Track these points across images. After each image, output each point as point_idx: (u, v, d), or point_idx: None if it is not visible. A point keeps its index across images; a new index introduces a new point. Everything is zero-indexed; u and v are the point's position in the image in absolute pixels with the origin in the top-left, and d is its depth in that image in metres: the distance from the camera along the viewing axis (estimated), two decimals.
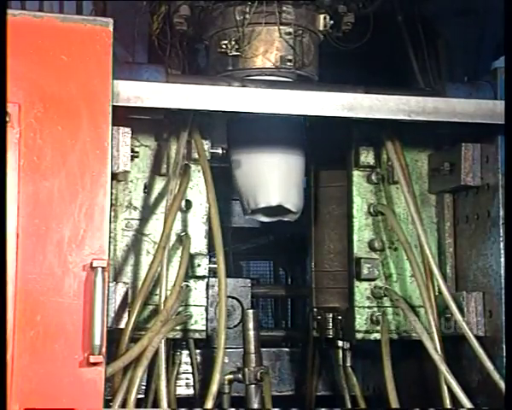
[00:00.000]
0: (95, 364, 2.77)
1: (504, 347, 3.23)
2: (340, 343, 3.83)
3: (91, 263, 2.80)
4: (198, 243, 3.48)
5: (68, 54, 2.87)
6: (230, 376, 3.65)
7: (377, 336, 3.58)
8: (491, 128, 3.31)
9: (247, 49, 3.53)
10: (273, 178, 3.60)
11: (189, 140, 3.45)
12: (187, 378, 4.06)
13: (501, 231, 3.31)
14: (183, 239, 3.43)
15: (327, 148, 3.92)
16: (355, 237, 3.65)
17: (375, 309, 3.61)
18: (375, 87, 3.32)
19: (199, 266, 3.44)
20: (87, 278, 2.81)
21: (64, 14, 3.36)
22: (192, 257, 3.44)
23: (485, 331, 3.38)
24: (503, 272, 3.30)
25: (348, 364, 3.85)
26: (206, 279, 3.47)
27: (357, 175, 3.68)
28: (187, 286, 3.42)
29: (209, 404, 3.14)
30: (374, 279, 3.62)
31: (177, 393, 3.91)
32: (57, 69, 2.86)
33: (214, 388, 3.16)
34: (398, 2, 4.05)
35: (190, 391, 4.06)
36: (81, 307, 2.80)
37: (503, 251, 3.30)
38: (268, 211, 3.65)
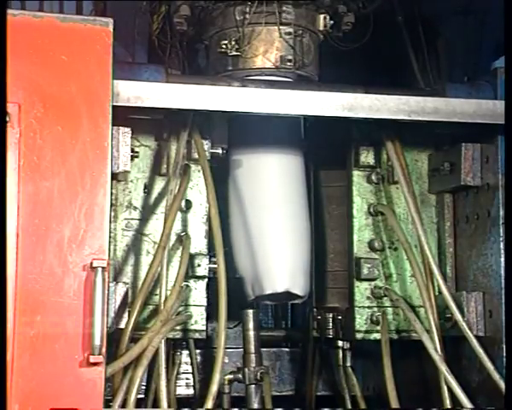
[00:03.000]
0: (95, 364, 2.77)
1: (504, 347, 3.23)
2: (340, 343, 3.83)
3: (91, 263, 2.80)
4: (198, 243, 3.48)
5: (68, 54, 2.87)
6: (230, 376, 3.65)
7: (377, 336, 3.57)
8: (491, 128, 3.31)
9: (247, 49, 3.53)
10: (279, 263, 3.57)
11: (188, 140, 3.45)
12: (187, 378, 4.06)
13: (501, 231, 3.31)
14: (183, 239, 3.43)
15: (327, 148, 3.91)
16: (355, 237, 3.65)
17: (375, 309, 3.61)
18: (375, 87, 3.33)
19: (199, 266, 3.44)
20: (87, 278, 2.80)
21: (64, 14, 3.36)
22: (192, 257, 3.43)
23: (485, 331, 3.38)
24: (503, 272, 3.30)
25: (348, 364, 3.85)
26: (206, 279, 3.47)
27: (357, 175, 3.68)
28: (187, 286, 3.42)
29: (209, 404, 3.14)
30: (374, 279, 3.62)
31: (177, 393, 3.91)
32: (57, 69, 2.86)
33: (214, 388, 3.16)
34: (398, 2, 4.05)
35: (190, 391, 4.06)
36: (81, 307, 2.80)
37: (503, 251, 3.30)
38: (273, 296, 3.61)
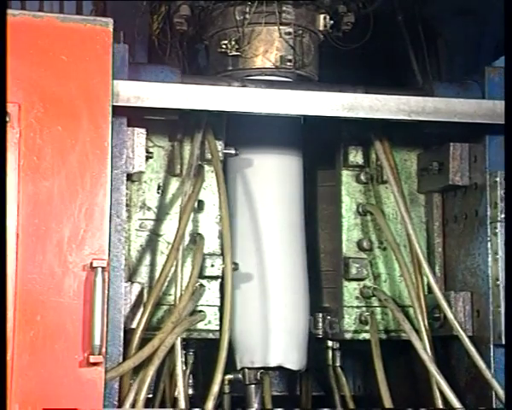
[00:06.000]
0: (95, 364, 2.77)
1: (504, 349, 3.22)
2: (329, 343, 3.80)
3: (91, 263, 2.80)
4: (211, 244, 3.46)
5: (68, 54, 2.87)
6: (230, 376, 3.64)
7: (366, 335, 3.57)
8: (478, 127, 3.31)
9: (247, 49, 3.54)
10: (274, 336, 3.53)
11: (202, 141, 3.44)
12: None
13: (488, 230, 3.32)
14: (196, 239, 3.42)
15: (317, 147, 3.89)
16: (344, 237, 3.64)
17: (364, 309, 3.60)
18: (375, 87, 3.33)
19: (212, 266, 3.42)
20: (87, 278, 2.81)
21: (64, 14, 3.37)
22: (205, 257, 3.42)
23: (473, 331, 3.38)
24: (490, 271, 3.30)
25: (338, 364, 3.80)
26: (219, 279, 3.45)
27: (345, 175, 3.68)
28: (201, 286, 3.41)
29: (210, 404, 3.14)
30: (362, 279, 3.61)
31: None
32: (57, 69, 2.86)
33: (215, 388, 3.15)
34: (398, 2, 4.05)
35: (190, 391, 4.05)
36: (81, 307, 2.80)
37: (490, 251, 3.31)
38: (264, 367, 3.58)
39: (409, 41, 4.08)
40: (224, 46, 3.54)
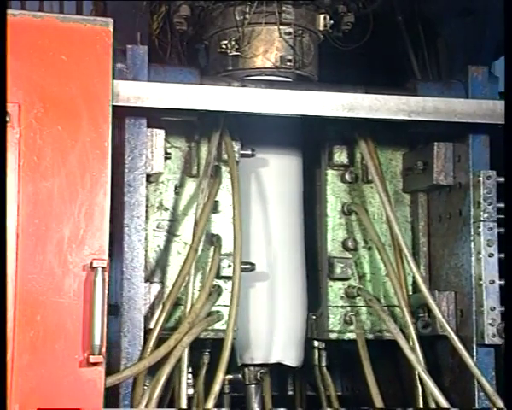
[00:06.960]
0: (95, 364, 2.78)
1: (504, 348, 3.22)
2: (315, 343, 3.78)
3: (91, 263, 2.80)
4: (228, 244, 3.45)
5: (68, 54, 2.87)
6: (230, 376, 3.64)
7: (351, 335, 3.56)
8: (462, 127, 3.32)
9: (247, 49, 3.54)
10: (274, 333, 3.55)
11: (219, 141, 3.43)
12: (188, 378, 4.04)
13: (471, 230, 3.33)
14: (213, 240, 3.42)
15: (306, 147, 3.88)
16: (328, 237, 3.63)
17: (349, 309, 3.59)
18: (375, 87, 3.33)
19: (229, 266, 3.40)
20: (87, 278, 2.81)
21: (64, 14, 3.37)
22: (222, 258, 3.40)
23: (457, 331, 3.38)
24: (473, 271, 3.32)
25: (323, 364, 3.78)
26: None
27: (330, 174, 3.67)
28: (218, 287, 3.41)
29: (210, 404, 3.14)
30: (347, 279, 3.60)
31: None
32: (57, 69, 2.86)
33: (217, 387, 3.15)
34: (398, 2, 4.05)
35: (190, 391, 4.04)
36: (81, 307, 2.80)
37: (473, 250, 3.32)
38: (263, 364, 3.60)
39: (408, 41, 4.08)
40: (223, 46, 3.54)
